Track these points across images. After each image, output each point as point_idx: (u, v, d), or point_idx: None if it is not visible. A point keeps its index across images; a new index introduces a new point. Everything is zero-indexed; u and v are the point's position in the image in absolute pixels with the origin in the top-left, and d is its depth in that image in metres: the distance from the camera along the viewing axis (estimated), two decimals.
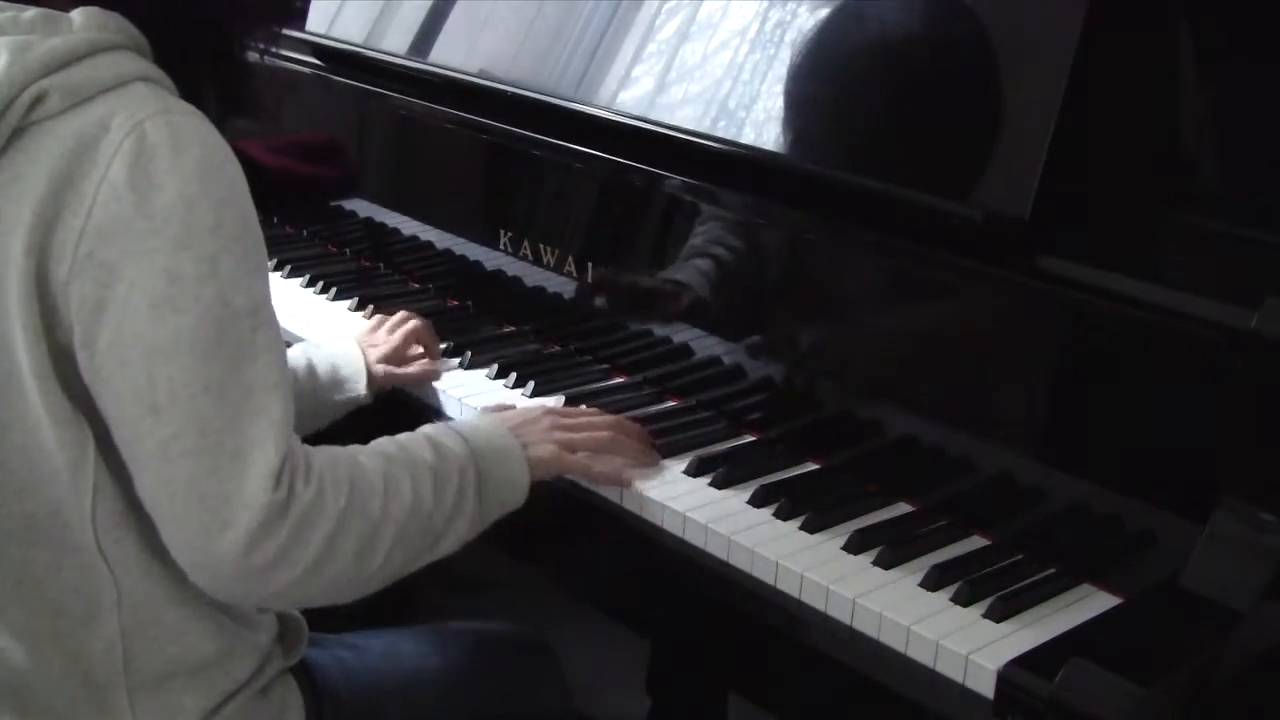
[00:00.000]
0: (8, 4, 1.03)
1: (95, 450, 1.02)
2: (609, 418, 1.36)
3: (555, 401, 1.46)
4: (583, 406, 1.41)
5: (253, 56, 1.15)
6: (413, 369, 1.53)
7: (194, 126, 0.99)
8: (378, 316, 1.64)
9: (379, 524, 1.06)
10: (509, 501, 1.20)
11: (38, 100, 0.97)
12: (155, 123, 0.97)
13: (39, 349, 0.98)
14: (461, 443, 1.17)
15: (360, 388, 1.47)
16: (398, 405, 1.54)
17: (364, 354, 1.50)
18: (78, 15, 1.01)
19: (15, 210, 0.96)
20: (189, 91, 1.04)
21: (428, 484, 1.11)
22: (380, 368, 1.50)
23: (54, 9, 1.02)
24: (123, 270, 0.95)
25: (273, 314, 1.03)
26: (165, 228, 0.95)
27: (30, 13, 1.01)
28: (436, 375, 1.54)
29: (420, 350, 1.56)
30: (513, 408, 1.38)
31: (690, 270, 1.48)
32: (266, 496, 0.98)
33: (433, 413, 1.51)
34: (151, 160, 0.96)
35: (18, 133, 0.97)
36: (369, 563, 1.06)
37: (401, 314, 1.60)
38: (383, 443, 1.14)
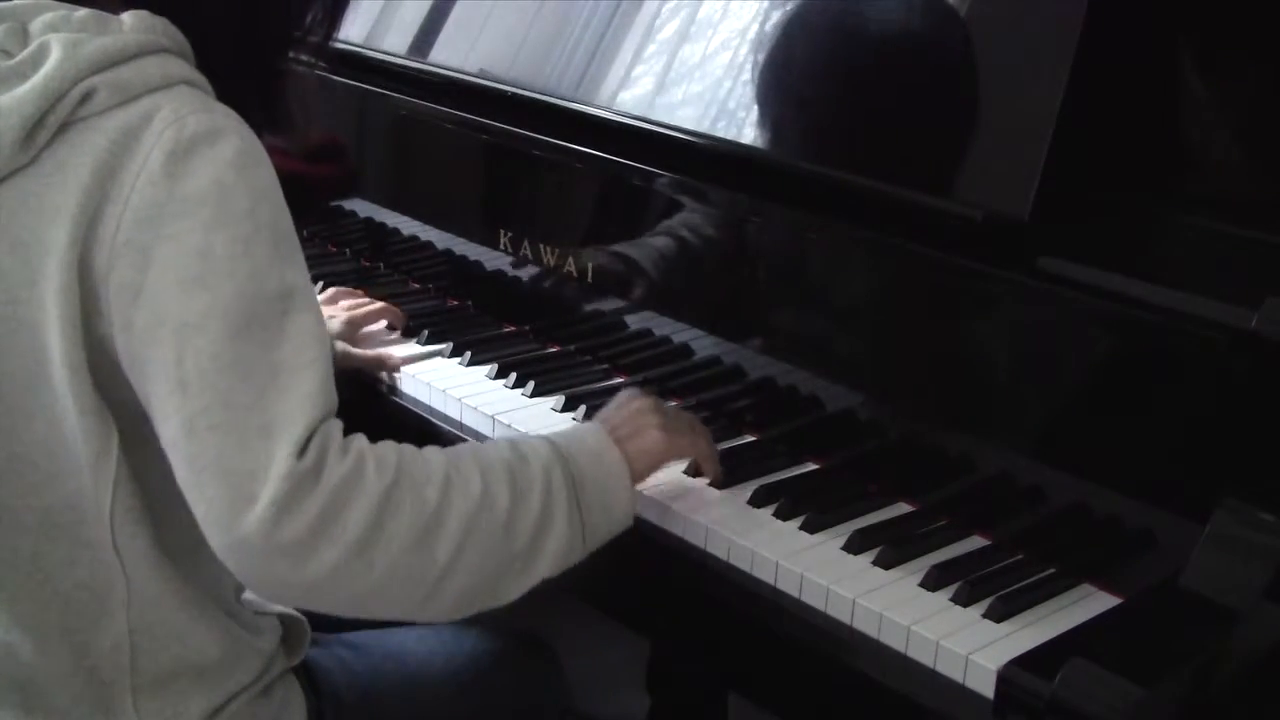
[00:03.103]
0: (60, 3, 1.05)
1: (119, 446, 1.02)
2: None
3: (555, 401, 1.47)
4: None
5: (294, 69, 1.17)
6: (369, 352, 1.57)
7: (234, 125, 1.01)
8: (337, 290, 1.69)
9: (438, 512, 1.01)
10: (614, 504, 1.13)
11: (86, 96, 0.98)
12: (197, 116, 0.99)
13: (74, 339, 0.98)
14: (547, 444, 1.12)
15: None
16: (392, 411, 1.54)
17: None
18: (128, 17, 1.03)
19: (60, 200, 0.98)
20: (227, 99, 1.05)
21: (502, 480, 1.06)
22: (339, 345, 1.52)
23: (104, 10, 1.04)
24: (156, 252, 0.96)
25: (309, 301, 1.01)
26: (198, 210, 0.97)
27: (82, 12, 1.03)
28: (393, 362, 1.56)
29: (380, 326, 1.61)
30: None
31: (690, 270, 1.48)
32: (290, 465, 0.95)
33: (428, 410, 1.51)
34: (189, 149, 0.97)
35: (65, 127, 0.99)
36: (432, 558, 1.00)
37: (365, 298, 1.66)
38: (459, 445, 1.11)
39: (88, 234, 0.97)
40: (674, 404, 1.33)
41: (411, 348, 1.62)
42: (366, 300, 1.68)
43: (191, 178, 0.97)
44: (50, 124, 0.98)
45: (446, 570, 1.02)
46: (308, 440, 0.97)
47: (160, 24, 1.04)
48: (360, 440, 1.02)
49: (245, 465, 0.95)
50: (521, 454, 1.10)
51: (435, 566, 1.01)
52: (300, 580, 0.98)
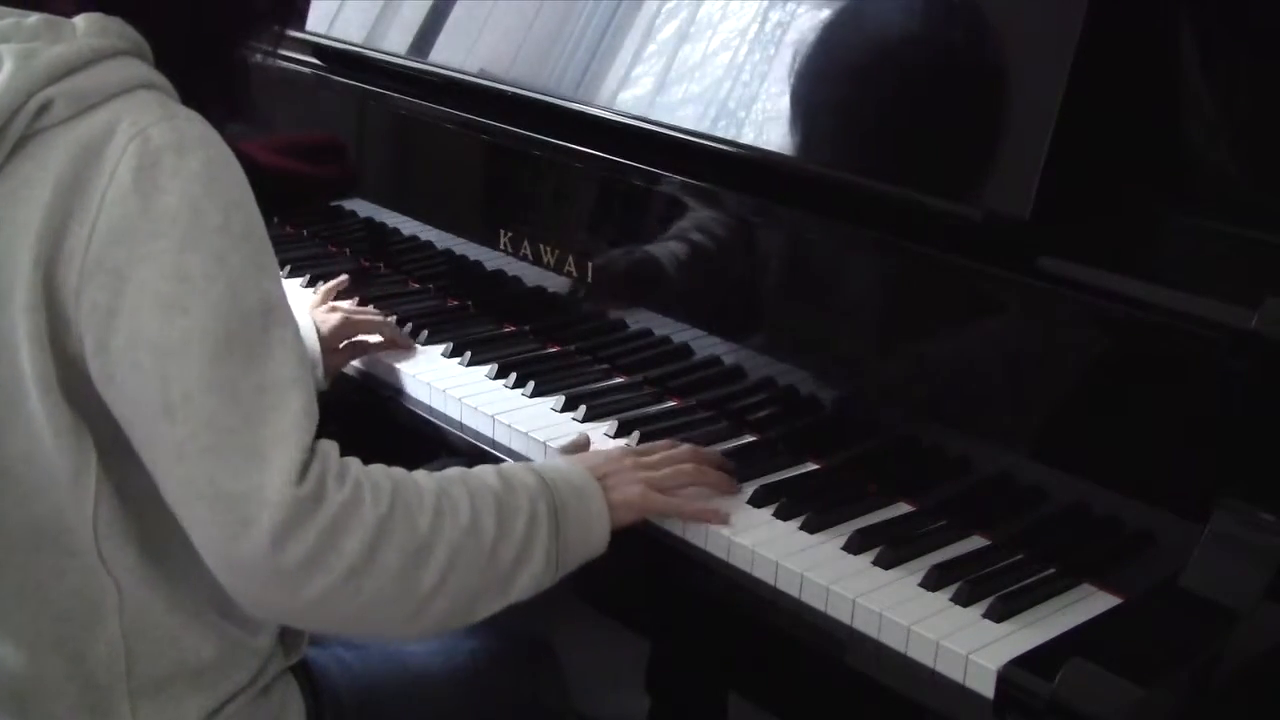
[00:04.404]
0: (10, 10, 1.02)
1: (96, 459, 1.01)
2: (686, 447, 1.30)
3: (555, 401, 1.46)
4: (664, 440, 1.33)
5: (255, 59, 1.15)
6: (371, 339, 1.59)
7: (198, 132, 0.99)
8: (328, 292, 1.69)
9: (428, 540, 1.02)
10: (590, 543, 1.15)
11: (43, 108, 0.96)
12: (160, 128, 0.96)
13: (44, 358, 0.97)
14: (534, 476, 1.13)
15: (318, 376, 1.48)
16: (393, 412, 1.54)
17: (317, 332, 1.51)
18: (81, 21, 1.01)
19: (24, 217, 0.96)
20: (191, 96, 1.04)
21: (489, 509, 1.07)
22: (326, 328, 1.54)
23: (56, 14, 1.01)
24: (131, 274, 0.95)
25: (287, 313, 1.02)
26: (171, 229, 0.95)
27: (33, 19, 1.01)
28: (407, 346, 1.60)
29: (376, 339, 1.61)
30: (582, 442, 1.36)
31: (690, 270, 1.48)
32: (290, 490, 0.95)
33: (429, 411, 1.51)
34: (156, 164, 0.95)
35: (23, 140, 0.97)
36: (418, 584, 1.02)
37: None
38: (448, 470, 1.11)
39: (53, 251, 0.95)
40: (668, 455, 1.28)
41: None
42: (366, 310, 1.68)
43: (162, 194, 0.95)
44: (8, 139, 0.96)
45: (430, 595, 1.03)
46: (305, 464, 0.97)
47: (115, 25, 1.01)
48: (355, 465, 1.02)
49: (239, 488, 0.95)
50: (509, 483, 1.11)
51: (420, 592, 1.03)
52: (292, 603, 0.99)
